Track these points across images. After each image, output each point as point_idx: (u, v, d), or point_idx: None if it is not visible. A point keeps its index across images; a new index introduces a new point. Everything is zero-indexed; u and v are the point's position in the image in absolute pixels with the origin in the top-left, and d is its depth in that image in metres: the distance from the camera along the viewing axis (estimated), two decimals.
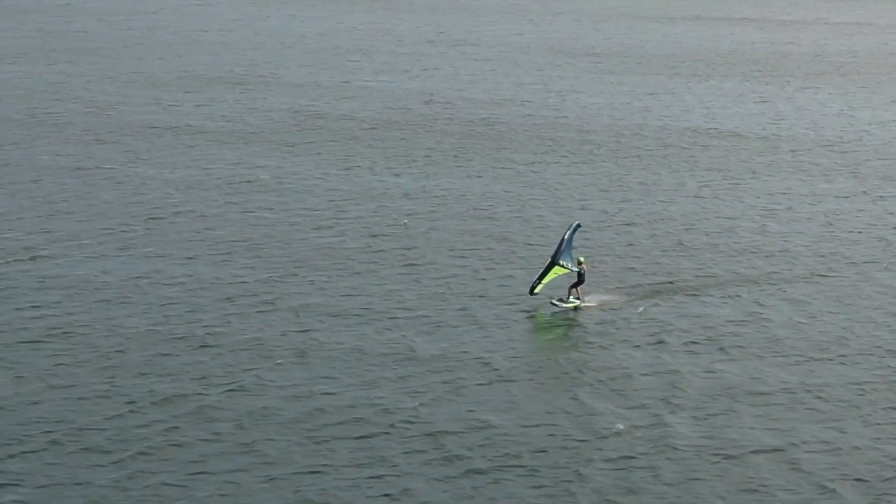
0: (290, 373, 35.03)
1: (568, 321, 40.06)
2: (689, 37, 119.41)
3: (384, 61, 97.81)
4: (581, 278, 40.79)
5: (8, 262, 44.45)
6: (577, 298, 40.94)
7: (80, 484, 28.56)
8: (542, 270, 41.08)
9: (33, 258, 44.87)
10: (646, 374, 35.45)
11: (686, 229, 51.08)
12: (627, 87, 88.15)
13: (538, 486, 28.82)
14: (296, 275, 43.66)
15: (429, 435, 31.21)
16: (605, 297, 41.74)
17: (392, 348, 36.92)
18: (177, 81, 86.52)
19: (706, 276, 44.57)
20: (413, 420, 32.04)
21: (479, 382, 34.61)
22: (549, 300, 40.80)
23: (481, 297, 41.74)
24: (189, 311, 39.87)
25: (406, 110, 76.91)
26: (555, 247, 41.98)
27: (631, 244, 48.65)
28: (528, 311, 40.47)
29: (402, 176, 59.42)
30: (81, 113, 74.45)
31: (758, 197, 56.88)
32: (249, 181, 57.80)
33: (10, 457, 29.71)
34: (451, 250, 46.96)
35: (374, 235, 48.66)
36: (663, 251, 47.75)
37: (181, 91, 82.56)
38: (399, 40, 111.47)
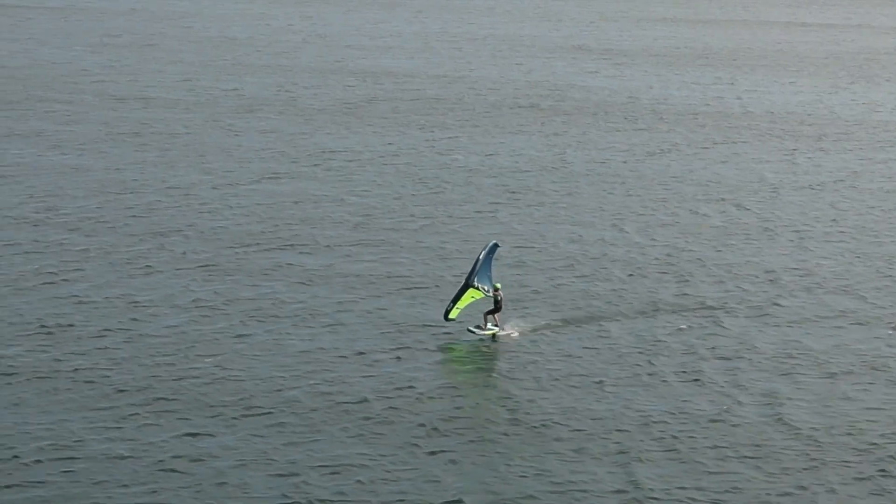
0: None
1: (484, 350, 37.98)
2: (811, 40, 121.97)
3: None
4: (498, 305, 38.53)
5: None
6: (496, 325, 38.78)
7: None
8: (455, 293, 38.82)
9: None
10: (558, 409, 33.45)
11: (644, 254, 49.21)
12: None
13: None
14: None
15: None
16: (526, 325, 39.58)
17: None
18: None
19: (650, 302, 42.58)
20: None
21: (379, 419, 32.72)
22: (465, 328, 38.69)
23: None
24: None
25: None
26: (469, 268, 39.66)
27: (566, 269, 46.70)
28: (445, 338, 38.42)
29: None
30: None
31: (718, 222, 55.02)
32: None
33: None
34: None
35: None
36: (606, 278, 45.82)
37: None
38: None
